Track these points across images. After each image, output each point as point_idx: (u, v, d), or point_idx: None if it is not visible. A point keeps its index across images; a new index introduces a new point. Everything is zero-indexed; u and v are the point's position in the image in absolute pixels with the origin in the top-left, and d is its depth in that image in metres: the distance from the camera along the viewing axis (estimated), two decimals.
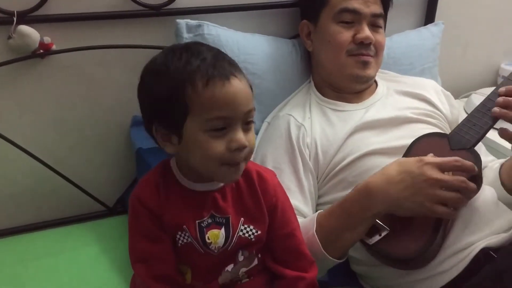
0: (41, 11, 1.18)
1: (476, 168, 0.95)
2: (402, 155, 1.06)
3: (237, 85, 0.80)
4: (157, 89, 0.82)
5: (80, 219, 1.41)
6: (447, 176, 0.93)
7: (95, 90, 1.31)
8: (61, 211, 1.40)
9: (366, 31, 1.18)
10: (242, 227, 0.88)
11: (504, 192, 1.10)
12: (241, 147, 0.80)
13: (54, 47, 1.22)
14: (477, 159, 0.99)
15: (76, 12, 1.22)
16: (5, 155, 1.28)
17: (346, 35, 1.19)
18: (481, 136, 1.03)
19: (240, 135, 0.80)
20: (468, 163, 0.95)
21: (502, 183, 1.12)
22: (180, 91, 0.79)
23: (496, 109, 1.02)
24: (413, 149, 1.06)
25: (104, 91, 1.32)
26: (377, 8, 1.21)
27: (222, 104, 0.78)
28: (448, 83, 1.55)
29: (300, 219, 1.01)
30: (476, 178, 0.97)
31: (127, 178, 1.43)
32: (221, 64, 0.80)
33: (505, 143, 1.05)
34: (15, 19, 1.14)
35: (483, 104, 1.06)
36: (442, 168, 0.94)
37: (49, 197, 1.37)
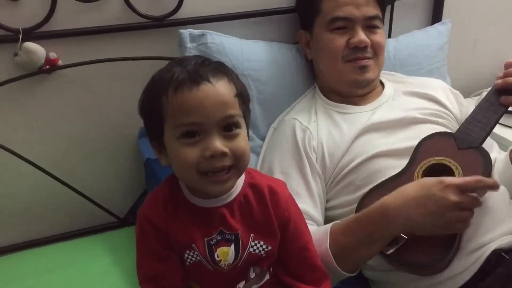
0: (46, 27, 1.20)
1: (499, 185, 0.93)
2: (409, 157, 1.04)
3: (207, 90, 0.78)
4: (143, 102, 0.84)
5: (92, 231, 1.42)
6: (466, 197, 0.91)
7: (102, 103, 1.33)
8: (73, 224, 1.41)
9: (360, 35, 1.17)
10: (253, 243, 0.86)
11: None
12: (216, 154, 0.77)
13: (60, 63, 1.23)
14: (485, 157, 0.97)
15: (81, 27, 1.24)
16: (16, 170, 1.30)
17: (339, 41, 1.18)
18: (487, 133, 1.01)
19: (214, 142, 0.77)
20: (491, 180, 0.93)
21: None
22: (157, 101, 0.80)
23: (499, 81, 1.00)
24: (419, 151, 1.04)
25: (111, 103, 1.34)
26: (370, 10, 1.19)
27: (189, 110, 0.77)
28: (458, 82, 1.52)
29: (312, 229, 0.99)
30: (489, 171, 0.96)
31: (138, 189, 1.44)
32: (199, 70, 0.79)
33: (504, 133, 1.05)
34: (20, 36, 1.16)
35: (486, 99, 1.04)
36: (462, 189, 0.91)
37: (61, 211, 1.39)
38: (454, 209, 0.90)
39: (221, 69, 0.82)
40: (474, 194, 0.91)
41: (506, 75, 1.03)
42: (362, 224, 0.97)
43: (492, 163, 0.99)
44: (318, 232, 1.01)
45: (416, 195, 0.93)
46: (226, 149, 0.78)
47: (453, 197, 0.90)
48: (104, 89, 1.32)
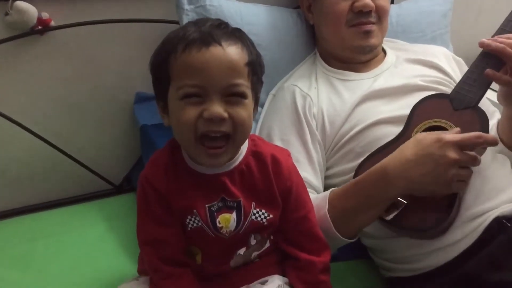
0: None
1: (498, 140, 0.92)
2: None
3: (216, 52, 0.75)
4: (153, 59, 0.81)
5: (87, 198, 1.40)
6: (465, 155, 0.90)
7: (96, 66, 1.29)
8: (68, 190, 1.39)
9: None
10: (254, 211, 0.85)
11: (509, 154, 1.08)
12: (215, 118, 0.74)
13: (52, 23, 1.20)
14: (483, 116, 0.96)
15: None
16: (9, 135, 1.27)
17: (343, 5, 1.14)
18: (483, 92, 0.99)
19: (215, 106, 0.75)
20: (490, 137, 0.91)
21: (501, 140, 1.09)
22: (165, 59, 0.78)
23: (485, 40, 0.98)
24: (415, 114, 1.03)
25: (106, 67, 1.30)
26: None
27: (194, 71, 0.74)
28: (461, 49, 1.49)
29: (312, 196, 0.98)
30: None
31: (133, 156, 1.42)
32: (212, 31, 0.76)
33: None
34: None
35: (480, 58, 1.02)
36: (462, 146, 0.90)
37: (55, 177, 1.37)
38: (454, 167, 0.89)
39: (237, 35, 0.79)
40: (473, 153, 0.90)
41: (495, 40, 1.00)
42: (360, 187, 0.96)
43: (489, 122, 0.98)
44: (317, 198, 1.01)
45: (415, 155, 0.91)
46: (225, 114, 0.75)
47: (452, 154, 0.89)
48: (98, 52, 1.28)
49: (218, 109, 0.74)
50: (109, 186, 1.43)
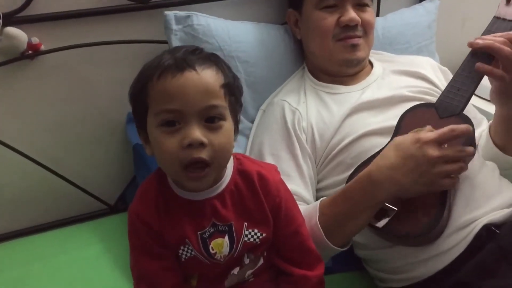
0: (27, 12, 1.17)
1: (471, 129, 0.93)
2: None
3: (190, 77, 0.75)
4: (131, 90, 0.82)
5: (82, 219, 1.40)
6: (447, 151, 0.91)
7: (87, 88, 1.30)
8: (62, 212, 1.39)
9: (350, 13, 1.16)
10: (247, 232, 0.84)
11: (503, 162, 1.09)
12: (194, 143, 0.74)
13: (42, 47, 1.21)
14: (467, 122, 0.97)
15: (63, 10, 1.20)
16: (1, 158, 1.27)
17: (330, 20, 1.17)
18: (467, 99, 1.01)
19: (194, 131, 0.74)
20: (462, 126, 0.92)
21: (495, 144, 1.11)
22: (143, 87, 0.78)
23: (478, 41, 1.01)
24: (402, 124, 1.04)
25: (97, 88, 1.31)
26: None
27: (170, 96, 0.75)
28: (447, 59, 1.51)
29: (302, 207, 0.99)
30: (471, 141, 0.96)
31: (127, 175, 1.42)
32: (186, 57, 0.77)
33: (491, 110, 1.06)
34: (0, 21, 1.13)
35: (463, 67, 1.04)
36: (440, 142, 0.91)
37: (49, 199, 1.37)
38: (437, 164, 0.90)
39: (211, 59, 0.80)
40: (459, 147, 0.91)
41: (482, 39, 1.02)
42: (348, 194, 0.97)
43: (475, 127, 0.99)
44: (308, 208, 1.02)
45: (396, 158, 0.92)
46: (205, 139, 0.75)
47: (432, 152, 0.90)
48: (89, 74, 1.29)
49: (196, 134, 0.74)
50: (103, 206, 1.43)
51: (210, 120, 0.76)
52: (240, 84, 0.84)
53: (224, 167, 0.83)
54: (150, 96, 0.77)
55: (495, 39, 1.00)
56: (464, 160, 0.93)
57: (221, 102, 0.77)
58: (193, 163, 0.76)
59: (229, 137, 0.79)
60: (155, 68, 0.77)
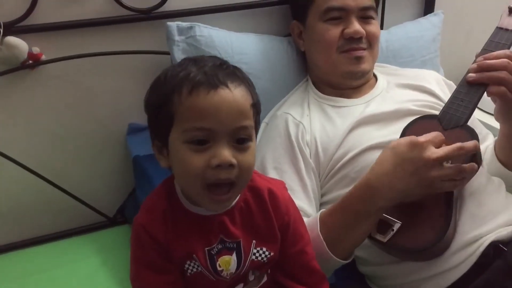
0: (28, 21, 1.16)
1: (479, 145, 0.92)
2: None
3: (225, 95, 0.73)
4: (151, 98, 0.79)
5: (81, 231, 1.39)
6: (445, 151, 0.89)
7: (88, 99, 1.29)
8: (61, 224, 1.38)
9: (355, 26, 1.15)
10: (255, 250, 0.83)
11: (509, 178, 1.07)
12: (224, 164, 0.72)
13: (43, 57, 1.20)
14: (473, 134, 0.96)
15: (64, 20, 1.20)
16: (1, 170, 1.26)
17: (334, 32, 1.16)
18: (471, 110, 1.00)
19: (224, 151, 0.72)
20: (470, 144, 0.90)
21: (499, 161, 1.09)
22: (168, 99, 0.75)
23: (471, 75, 1.00)
24: (406, 136, 1.02)
25: (98, 99, 1.30)
26: (365, 1, 1.17)
27: (203, 114, 0.72)
28: (451, 72, 1.50)
29: (304, 219, 0.97)
30: (475, 155, 0.94)
31: (127, 187, 1.41)
32: (217, 72, 0.74)
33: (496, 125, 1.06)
34: (1, 30, 1.12)
35: (466, 78, 1.02)
36: (436, 144, 0.91)
37: (48, 211, 1.35)
38: (435, 166, 0.89)
39: (239, 75, 0.78)
40: (456, 145, 0.90)
41: (480, 68, 1.01)
42: (348, 203, 0.96)
43: (483, 144, 0.99)
44: (309, 220, 1.00)
45: (394, 164, 0.91)
46: (234, 161, 0.73)
47: (428, 153, 0.89)
48: (90, 84, 1.28)
49: (226, 154, 0.72)
50: (102, 219, 1.41)
51: (240, 141, 0.75)
52: (259, 100, 0.82)
53: (245, 187, 0.81)
54: (178, 109, 0.74)
55: (495, 63, 0.98)
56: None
57: (251, 122, 0.76)
58: (217, 183, 0.74)
59: (254, 157, 0.78)
60: (183, 81, 0.74)
